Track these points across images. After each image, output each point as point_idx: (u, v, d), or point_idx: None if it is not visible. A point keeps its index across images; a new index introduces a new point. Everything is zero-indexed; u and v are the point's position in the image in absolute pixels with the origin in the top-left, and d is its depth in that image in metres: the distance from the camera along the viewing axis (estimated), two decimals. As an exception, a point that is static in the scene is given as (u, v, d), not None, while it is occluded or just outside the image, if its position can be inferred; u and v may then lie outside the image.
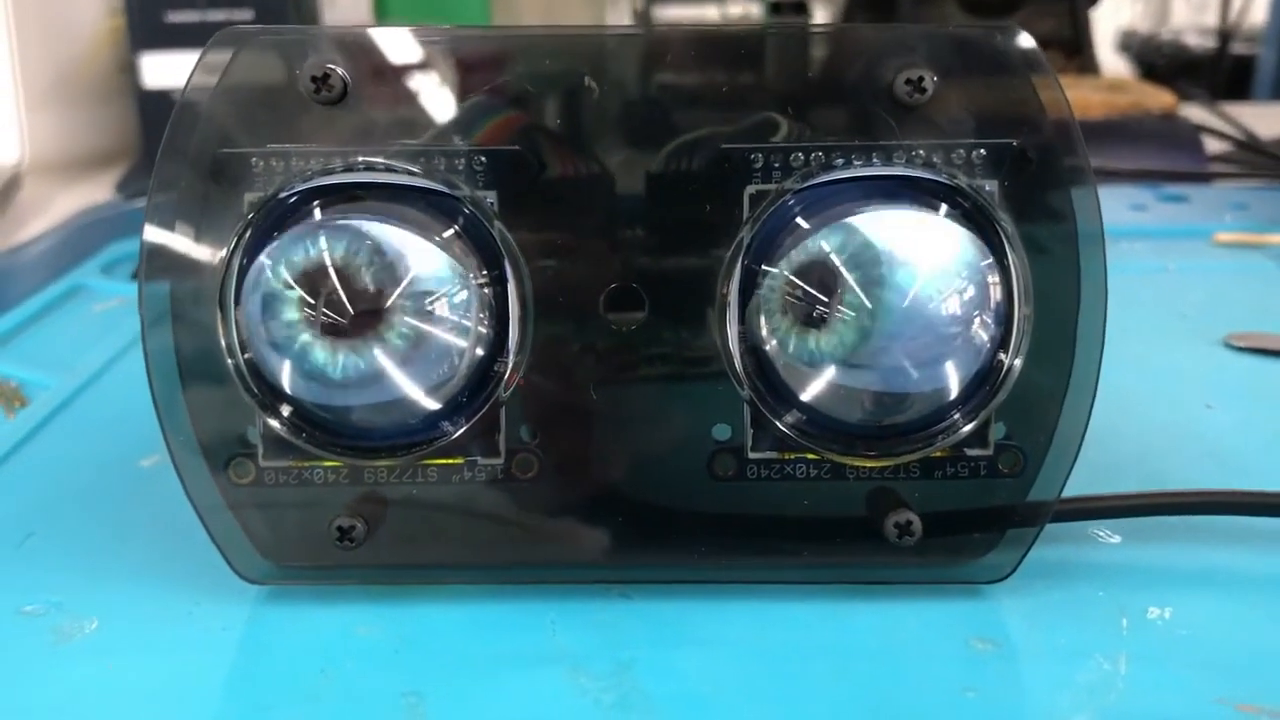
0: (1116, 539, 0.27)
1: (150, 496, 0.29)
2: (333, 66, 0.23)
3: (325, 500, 0.25)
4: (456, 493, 0.25)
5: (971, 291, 0.24)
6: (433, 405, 0.24)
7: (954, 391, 0.24)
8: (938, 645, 0.23)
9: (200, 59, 0.24)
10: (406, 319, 0.23)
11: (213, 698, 0.22)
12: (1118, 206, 0.54)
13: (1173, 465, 0.31)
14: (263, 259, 0.23)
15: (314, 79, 0.23)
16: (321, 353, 0.23)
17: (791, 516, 0.25)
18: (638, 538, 0.25)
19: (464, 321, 0.24)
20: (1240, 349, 0.38)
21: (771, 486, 0.25)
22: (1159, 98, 0.64)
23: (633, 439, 0.25)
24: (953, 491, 0.25)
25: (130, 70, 0.66)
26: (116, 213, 0.55)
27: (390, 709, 0.22)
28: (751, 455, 0.25)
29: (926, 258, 0.23)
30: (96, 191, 0.66)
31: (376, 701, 0.22)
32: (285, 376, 0.24)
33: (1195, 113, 0.71)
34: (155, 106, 0.64)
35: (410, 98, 0.24)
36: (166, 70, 0.65)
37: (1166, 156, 0.61)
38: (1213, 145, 0.69)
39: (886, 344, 0.23)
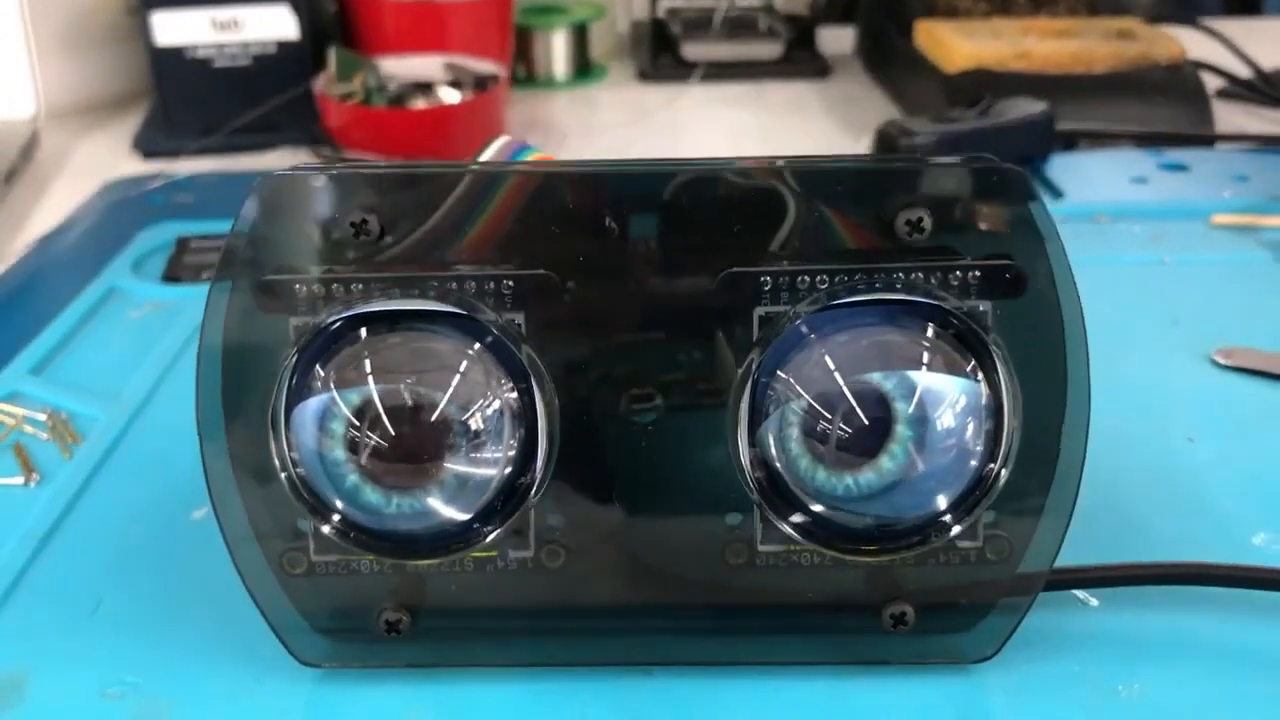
0: (1095, 602, 0.29)
1: (205, 557, 0.31)
2: (369, 215, 0.25)
3: (372, 588, 0.27)
4: (491, 581, 0.27)
5: (969, 415, 0.26)
6: (469, 516, 0.26)
7: (948, 503, 0.26)
8: (929, 723, 0.26)
9: (246, 200, 0.25)
10: (453, 465, 0.25)
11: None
12: (1118, 179, 0.55)
13: (1149, 513, 0.33)
14: (313, 401, 0.25)
15: (353, 224, 0.25)
16: (372, 495, 0.25)
17: (797, 601, 0.27)
18: (657, 619, 0.28)
19: (497, 450, 0.26)
20: (1226, 367, 0.40)
21: (779, 573, 0.27)
22: (1167, 46, 0.64)
23: (651, 529, 0.27)
24: (944, 575, 0.27)
25: (139, 12, 0.66)
26: (140, 193, 0.56)
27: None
28: (761, 547, 0.27)
29: (932, 389, 0.25)
30: (113, 143, 0.67)
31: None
32: (334, 500, 0.26)
33: (1202, 45, 0.71)
34: (168, 63, 0.65)
35: (443, 230, 0.26)
36: (178, 27, 0.65)
37: (1172, 111, 0.62)
38: (1216, 82, 0.69)
39: (895, 479, 0.26)
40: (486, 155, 0.38)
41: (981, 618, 0.27)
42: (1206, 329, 0.42)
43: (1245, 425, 0.37)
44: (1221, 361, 0.40)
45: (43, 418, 0.38)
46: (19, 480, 0.35)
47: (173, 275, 0.47)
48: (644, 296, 0.26)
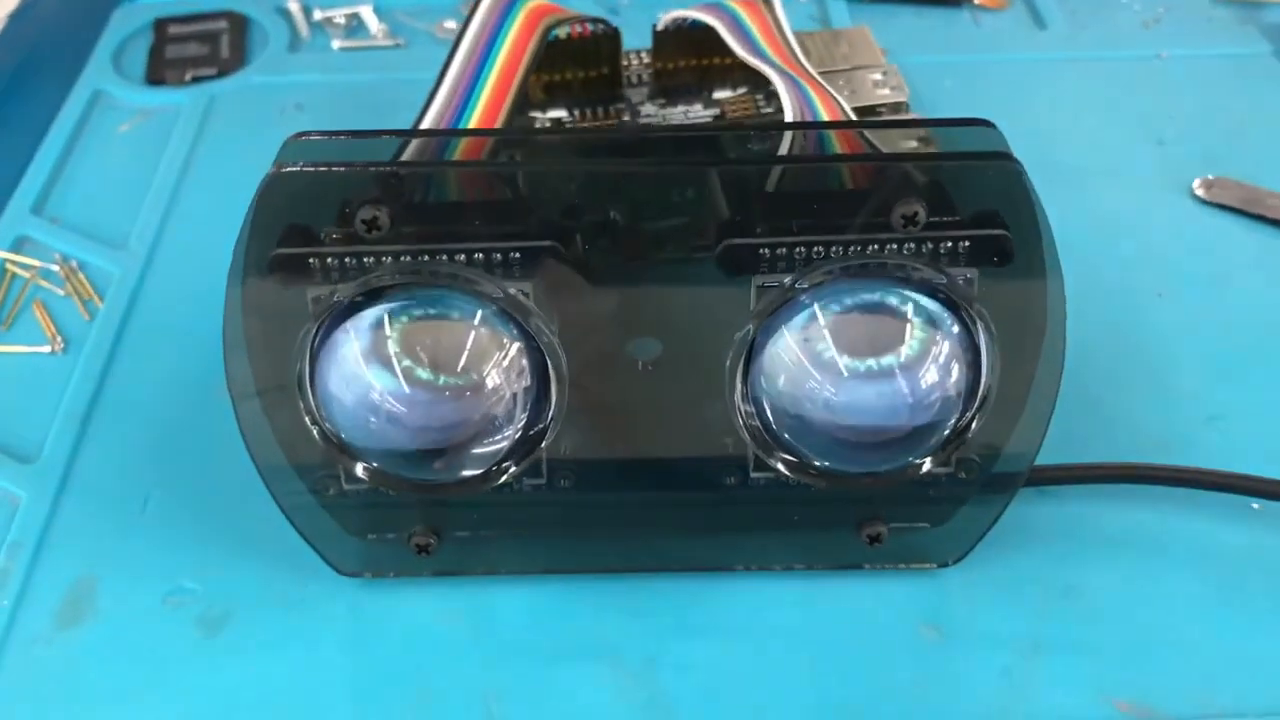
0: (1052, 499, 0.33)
1: (237, 440, 0.33)
2: (379, 211, 0.26)
3: (401, 512, 0.30)
4: (508, 503, 0.30)
5: (951, 373, 0.27)
6: (493, 451, 0.29)
7: (925, 452, 0.28)
8: (896, 627, 0.30)
9: (254, 201, 0.26)
10: (474, 426, 0.27)
11: (337, 699, 0.29)
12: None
13: (1106, 387, 0.35)
14: (336, 371, 0.27)
15: (364, 222, 0.26)
16: (398, 456, 0.27)
17: (784, 516, 0.30)
18: (658, 531, 0.31)
19: (513, 408, 0.28)
20: (1205, 202, 0.41)
21: (768, 493, 0.30)
22: None
23: (654, 459, 0.30)
24: (917, 493, 0.30)
25: None
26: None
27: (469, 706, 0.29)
28: (753, 474, 0.30)
29: (909, 338, 0.27)
30: None
31: (459, 696, 0.29)
32: (363, 444, 0.28)
33: None
34: None
35: (452, 217, 0.26)
36: None
37: None
38: None
39: (867, 412, 0.28)
40: (483, 6, 0.37)
41: (946, 524, 0.31)
42: (1192, 149, 0.43)
43: (1215, 277, 0.38)
44: (1201, 195, 0.41)
45: (56, 268, 0.39)
46: (46, 348, 0.37)
47: (156, 77, 0.47)
48: (644, 267, 0.27)
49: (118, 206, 0.42)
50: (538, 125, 0.40)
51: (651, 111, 0.40)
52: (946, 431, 0.28)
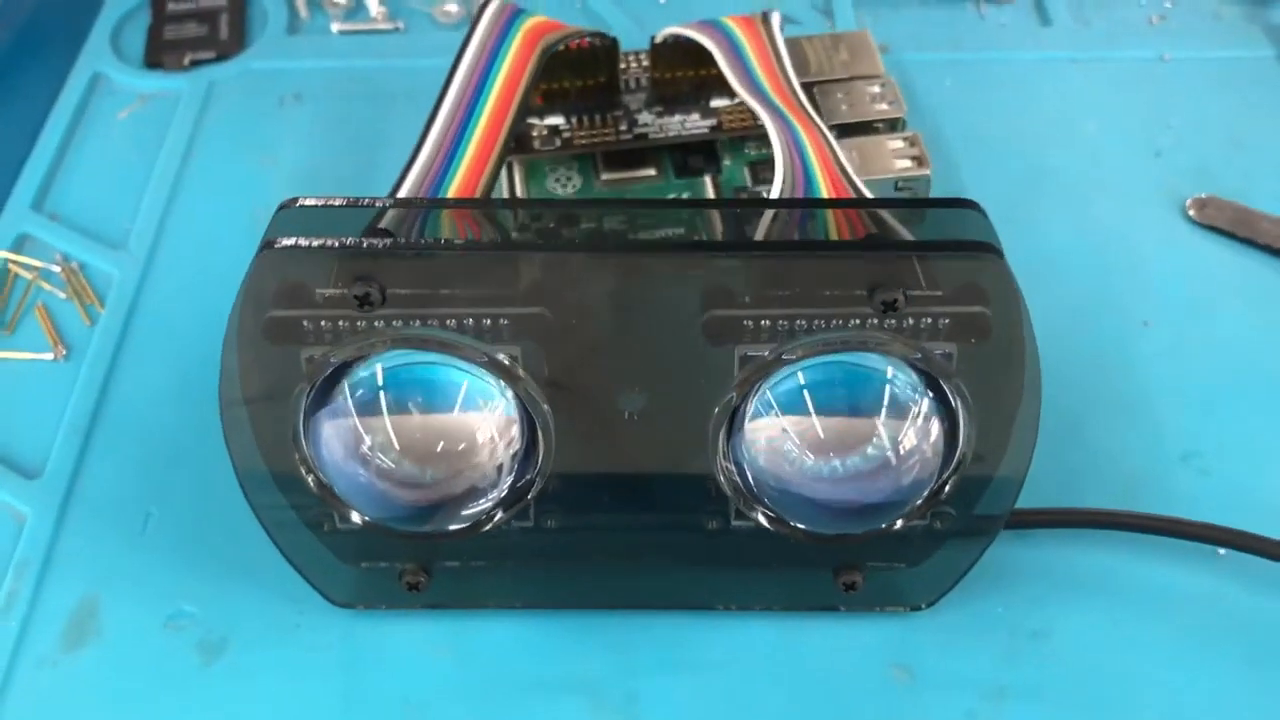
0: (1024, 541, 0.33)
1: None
2: (371, 288, 0.26)
3: (394, 543, 0.31)
4: (497, 544, 0.31)
5: (927, 442, 0.28)
6: (481, 510, 0.30)
7: (900, 513, 0.29)
8: (867, 668, 0.31)
9: (247, 277, 0.26)
10: (464, 483, 0.28)
11: (331, 728, 0.30)
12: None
13: (1087, 420, 0.36)
14: (329, 430, 0.28)
15: (356, 297, 0.26)
16: (391, 509, 0.28)
17: (763, 560, 0.31)
18: (642, 571, 0.32)
19: (502, 464, 0.28)
20: (1197, 224, 0.41)
21: (748, 539, 0.31)
22: None
23: (639, 507, 0.31)
24: (892, 543, 0.31)
25: None
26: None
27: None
28: (734, 522, 0.31)
29: (887, 412, 0.28)
30: None
31: (451, 730, 0.30)
32: (354, 502, 0.29)
33: None
34: None
35: (443, 282, 0.27)
36: None
37: None
38: None
39: (846, 481, 0.28)
40: (484, 22, 0.37)
41: (921, 567, 0.32)
42: (1188, 161, 0.43)
43: (1203, 305, 0.39)
44: (1193, 215, 0.41)
45: (57, 269, 0.40)
46: (49, 356, 0.38)
47: (155, 60, 0.46)
48: (631, 334, 0.28)
49: (117, 201, 0.42)
50: (534, 132, 0.40)
51: (648, 120, 0.40)
52: (921, 499, 0.29)
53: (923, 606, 0.32)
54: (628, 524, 0.31)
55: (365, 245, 0.26)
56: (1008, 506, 0.30)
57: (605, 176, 0.41)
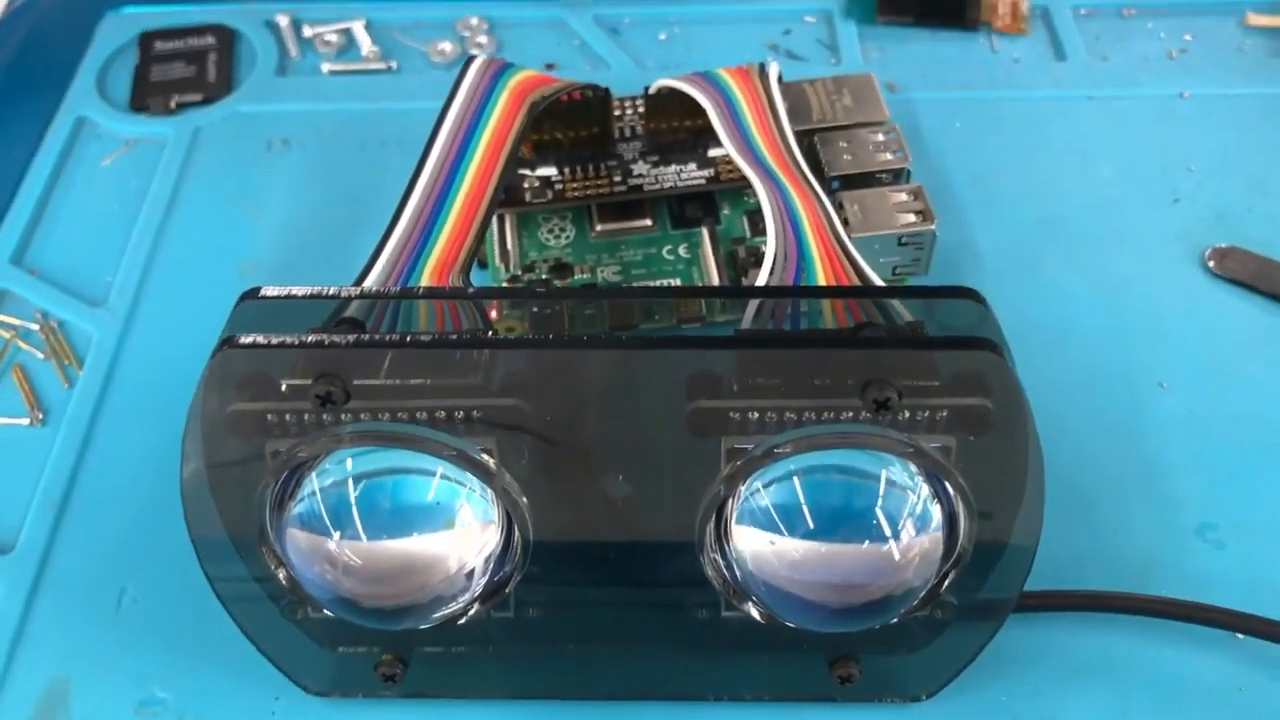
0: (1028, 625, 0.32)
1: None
2: (333, 387, 0.25)
3: (369, 634, 0.30)
4: (476, 633, 0.30)
5: (925, 537, 0.27)
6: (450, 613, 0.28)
7: (896, 612, 0.28)
8: (866, 763, 0.30)
9: (206, 373, 0.25)
10: (437, 586, 0.27)
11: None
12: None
13: (1096, 489, 0.34)
14: (294, 527, 0.26)
15: (317, 396, 0.25)
16: (360, 612, 0.27)
17: (755, 649, 0.30)
18: (630, 661, 0.30)
19: (477, 562, 0.27)
20: (1217, 276, 0.39)
21: (739, 629, 0.30)
22: None
23: (624, 599, 0.29)
24: (893, 631, 0.30)
25: None
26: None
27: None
28: (724, 613, 0.29)
29: (881, 510, 0.26)
30: None
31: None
32: (324, 601, 0.28)
33: None
34: None
35: (413, 374, 0.26)
36: None
37: None
38: None
39: (839, 583, 0.27)
40: (468, 80, 0.36)
41: (920, 653, 0.30)
42: (1209, 208, 0.41)
43: (1221, 365, 0.37)
44: (1213, 267, 0.39)
45: (36, 328, 0.39)
46: (25, 421, 0.37)
47: (141, 104, 0.45)
48: (611, 427, 0.27)
49: (99, 255, 0.41)
50: (526, 184, 0.39)
51: (643, 170, 0.39)
52: (919, 597, 0.28)
53: (923, 697, 0.31)
54: (613, 613, 0.30)
55: (328, 341, 0.25)
56: (1013, 594, 0.29)
57: (600, 228, 0.39)
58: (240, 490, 0.27)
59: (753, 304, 0.28)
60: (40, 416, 0.37)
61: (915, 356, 0.25)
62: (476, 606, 0.29)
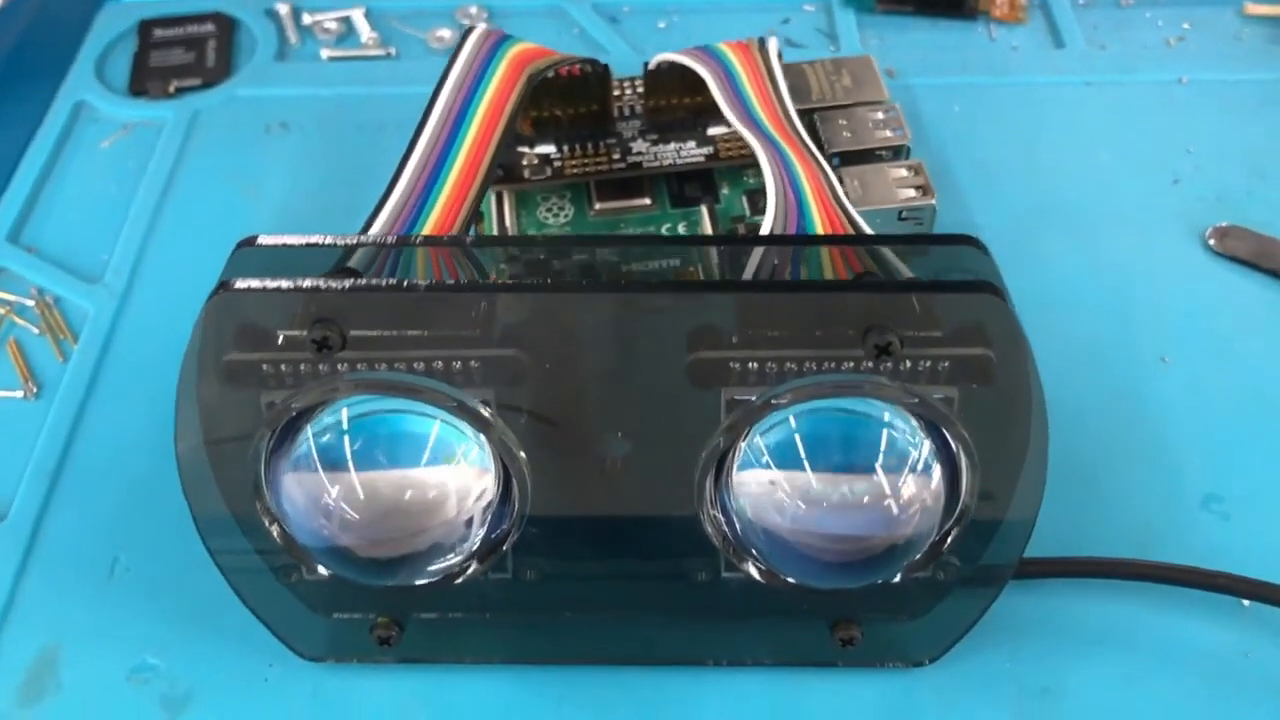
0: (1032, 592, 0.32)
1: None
2: (329, 331, 0.25)
3: (366, 597, 0.29)
4: (474, 595, 0.29)
5: (927, 490, 0.26)
6: (453, 563, 0.28)
7: (898, 567, 0.27)
8: (867, 727, 0.29)
9: (201, 319, 0.25)
10: (433, 536, 0.26)
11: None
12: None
13: (1101, 462, 0.34)
14: (291, 479, 0.26)
15: (314, 341, 0.25)
16: (356, 564, 0.27)
17: (755, 613, 0.30)
18: (629, 625, 0.30)
19: (475, 515, 0.27)
20: (1217, 254, 0.39)
21: (739, 591, 0.29)
22: None
23: (623, 558, 0.29)
24: (893, 595, 0.29)
25: None
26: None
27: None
28: (724, 574, 0.29)
29: (884, 460, 0.26)
30: None
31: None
32: (319, 554, 0.27)
33: None
34: None
35: (410, 324, 0.25)
36: None
37: None
38: None
39: (840, 535, 0.27)
40: (467, 49, 0.36)
41: (923, 619, 0.30)
42: (1208, 189, 0.41)
43: (1223, 341, 0.37)
44: (1214, 245, 0.39)
45: (31, 304, 0.38)
46: (19, 394, 0.36)
47: (139, 87, 0.45)
48: (610, 377, 0.26)
49: (95, 234, 0.41)
50: (525, 161, 0.39)
51: (643, 148, 0.39)
52: (921, 552, 0.27)
53: (925, 662, 0.30)
54: (611, 575, 0.29)
55: (325, 286, 0.25)
56: (1015, 556, 0.28)
57: (599, 206, 0.39)
58: (235, 445, 0.27)
59: (754, 261, 0.28)
60: (34, 390, 0.36)
61: (916, 300, 0.25)
62: (474, 566, 0.28)
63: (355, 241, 0.27)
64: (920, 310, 0.25)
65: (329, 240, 0.26)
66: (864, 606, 0.29)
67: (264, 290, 0.25)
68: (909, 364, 0.26)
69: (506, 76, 0.34)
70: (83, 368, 0.37)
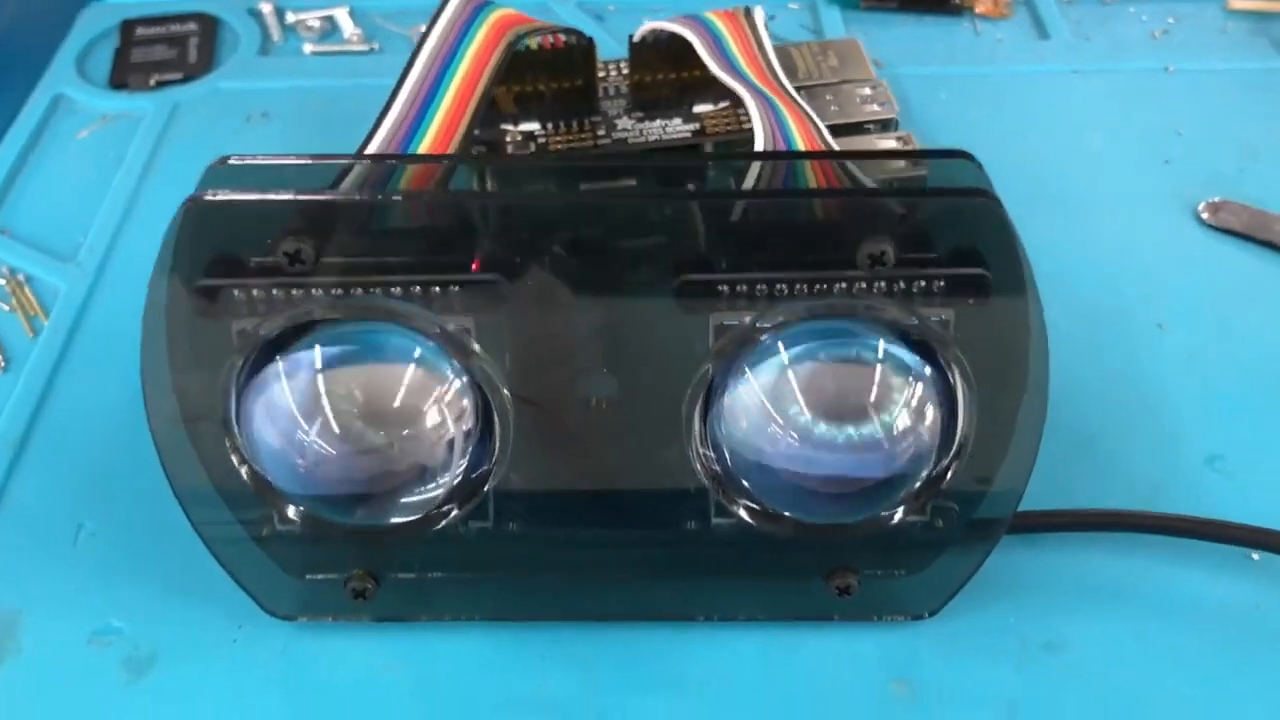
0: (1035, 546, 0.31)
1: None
2: (302, 244, 0.24)
3: (341, 551, 0.28)
4: (452, 546, 0.28)
5: (925, 420, 0.25)
6: (431, 498, 0.27)
7: (895, 500, 0.26)
8: (864, 683, 0.28)
9: (169, 235, 0.24)
10: (411, 470, 0.25)
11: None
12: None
13: (1101, 425, 0.33)
14: (263, 410, 0.25)
15: (286, 254, 0.24)
16: (330, 503, 0.26)
17: (747, 563, 0.28)
18: (615, 579, 0.29)
19: (453, 449, 0.26)
20: (1211, 227, 0.39)
21: (730, 540, 0.28)
22: None
23: (608, 502, 0.28)
24: (890, 541, 0.28)
25: None
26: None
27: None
28: (714, 520, 0.28)
29: (878, 384, 0.25)
30: None
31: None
32: (292, 489, 0.26)
33: None
34: None
35: (389, 247, 0.25)
36: None
37: None
38: None
39: (833, 462, 0.26)
40: (448, 11, 0.35)
41: (922, 573, 0.29)
42: (1199, 169, 0.41)
43: (1219, 308, 0.36)
44: (1206, 219, 0.39)
45: (2, 282, 0.38)
46: (-12, 368, 0.35)
47: (120, 81, 0.45)
48: (596, 303, 0.25)
49: (70, 217, 0.40)
50: (508, 138, 0.38)
51: (628, 126, 0.38)
52: (919, 482, 0.26)
53: (925, 615, 0.29)
54: (597, 526, 0.28)
55: (299, 197, 0.24)
56: (1012, 506, 0.28)
57: (584, 187, 0.38)
58: (204, 375, 0.26)
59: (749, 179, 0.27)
60: (2, 364, 0.35)
61: (911, 209, 0.24)
62: (455, 511, 0.27)
63: (328, 158, 0.26)
64: (914, 220, 0.24)
65: (305, 159, 0.26)
66: (861, 558, 0.28)
67: (236, 202, 0.24)
68: (903, 284, 0.25)
69: (489, 37, 0.34)
70: (52, 343, 0.36)
